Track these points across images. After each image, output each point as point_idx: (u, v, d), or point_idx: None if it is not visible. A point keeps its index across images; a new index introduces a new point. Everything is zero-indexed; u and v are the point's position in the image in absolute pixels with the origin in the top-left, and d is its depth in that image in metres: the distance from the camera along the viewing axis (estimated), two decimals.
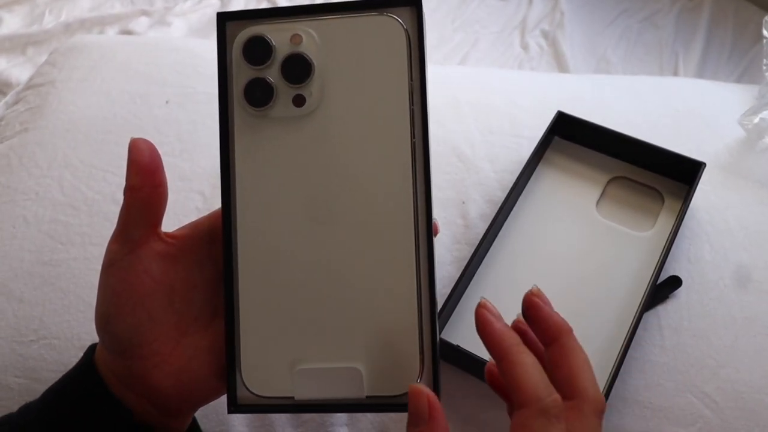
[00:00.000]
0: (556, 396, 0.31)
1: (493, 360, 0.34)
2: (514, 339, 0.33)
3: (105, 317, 0.35)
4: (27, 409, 0.38)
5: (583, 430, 0.31)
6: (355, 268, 0.33)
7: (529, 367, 0.32)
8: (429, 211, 0.33)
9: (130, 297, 0.34)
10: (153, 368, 0.35)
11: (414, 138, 0.33)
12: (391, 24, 0.33)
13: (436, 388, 0.32)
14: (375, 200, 0.33)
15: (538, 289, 0.36)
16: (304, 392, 0.33)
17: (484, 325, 0.33)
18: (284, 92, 0.34)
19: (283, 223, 0.34)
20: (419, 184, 0.33)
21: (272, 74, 0.34)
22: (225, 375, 0.35)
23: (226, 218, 0.34)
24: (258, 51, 0.34)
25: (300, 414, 0.49)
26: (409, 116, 0.33)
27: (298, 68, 0.34)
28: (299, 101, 0.34)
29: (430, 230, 0.33)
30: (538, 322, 0.35)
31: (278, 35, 0.34)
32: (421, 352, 0.33)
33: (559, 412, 0.31)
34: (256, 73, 0.34)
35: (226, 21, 0.34)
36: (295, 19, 0.34)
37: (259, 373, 0.34)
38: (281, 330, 0.34)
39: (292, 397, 0.33)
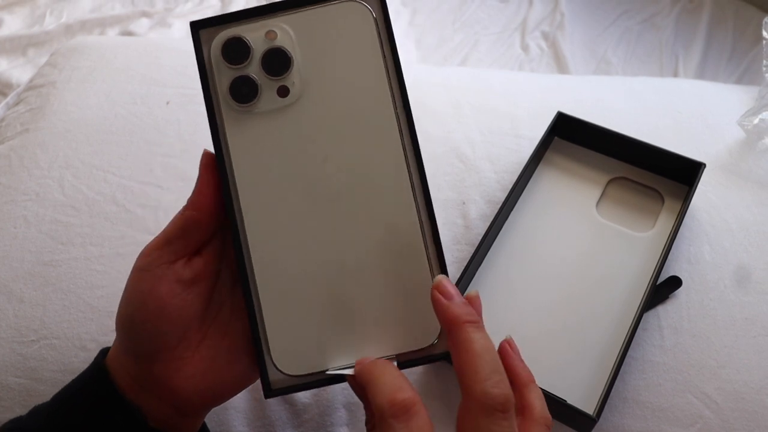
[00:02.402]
0: (507, 391, 0.29)
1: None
2: (469, 315, 0.32)
3: (129, 320, 0.35)
4: (37, 413, 0.37)
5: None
6: (363, 238, 0.35)
7: (479, 348, 0.30)
8: (422, 170, 0.35)
9: (160, 304, 0.34)
10: (176, 371, 0.35)
11: (396, 108, 0.36)
12: (358, 9, 0.36)
13: None
14: (372, 170, 0.35)
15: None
16: (336, 363, 0.34)
17: (435, 304, 0.33)
18: (268, 86, 0.35)
19: (288, 207, 0.35)
20: (408, 148, 0.36)
21: (253, 71, 0.35)
22: (247, 368, 0.37)
23: (229, 211, 0.35)
24: (236, 51, 0.35)
25: (300, 413, 0.49)
26: (389, 88, 0.36)
27: (278, 61, 0.35)
28: (283, 92, 0.36)
29: (426, 186, 0.35)
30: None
31: (253, 34, 0.35)
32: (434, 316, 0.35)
33: (507, 410, 0.29)
34: (238, 72, 0.35)
35: (199, 29, 0.36)
36: (265, 17, 0.36)
37: (289, 354, 0.35)
38: (304, 309, 0.35)
39: (325, 371, 0.34)
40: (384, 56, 0.36)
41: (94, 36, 1.05)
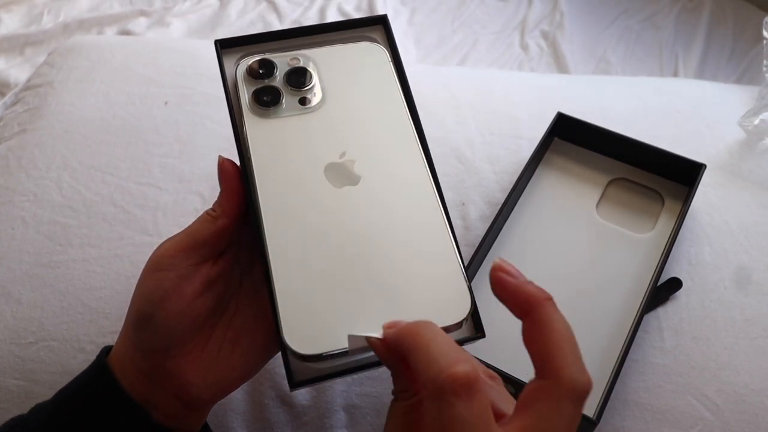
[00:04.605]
0: (590, 377, 0.27)
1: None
2: (544, 292, 0.29)
3: (147, 316, 0.35)
4: (38, 411, 0.38)
5: (551, 416, 0.26)
6: (380, 218, 0.36)
7: (564, 329, 0.28)
8: (433, 168, 0.38)
9: (184, 302, 0.35)
10: (186, 365, 0.36)
11: (405, 105, 0.40)
12: (373, 47, 0.42)
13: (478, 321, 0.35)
14: (390, 158, 0.38)
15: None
16: (356, 342, 0.32)
17: (502, 285, 0.29)
18: (290, 95, 0.39)
19: (303, 192, 0.36)
20: (419, 137, 0.39)
21: (277, 83, 0.39)
22: (250, 358, 0.38)
23: (252, 206, 0.36)
24: (263, 69, 0.40)
25: (300, 416, 0.49)
26: (400, 97, 0.40)
27: (301, 77, 0.40)
28: (304, 102, 0.39)
29: (435, 173, 0.38)
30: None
31: (278, 59, 0.40)
32: (467, 280, 0.35)
33: (585, 396, 0.27)
34: (262, 84, 0.39)
35: (223, 47, 0.41)
36: (286, 44, 0.41)
37: (303, 332, 0.33)
38: (322, 290, 0.34)
39: (346, 351, 0.32)
40: (395, 77, 0.40)
41: (92, 35, 1.05)
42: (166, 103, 0.66)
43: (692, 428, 0.47)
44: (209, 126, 0.64)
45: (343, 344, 0.32)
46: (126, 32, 1.06)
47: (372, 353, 0.31)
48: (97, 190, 0.59)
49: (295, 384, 0.34)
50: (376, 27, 0.43)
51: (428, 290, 0.34)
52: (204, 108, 0.65)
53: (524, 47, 1.03)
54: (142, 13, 1.09)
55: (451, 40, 1.05)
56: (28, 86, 0.71)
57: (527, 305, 0.29)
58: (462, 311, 0.33)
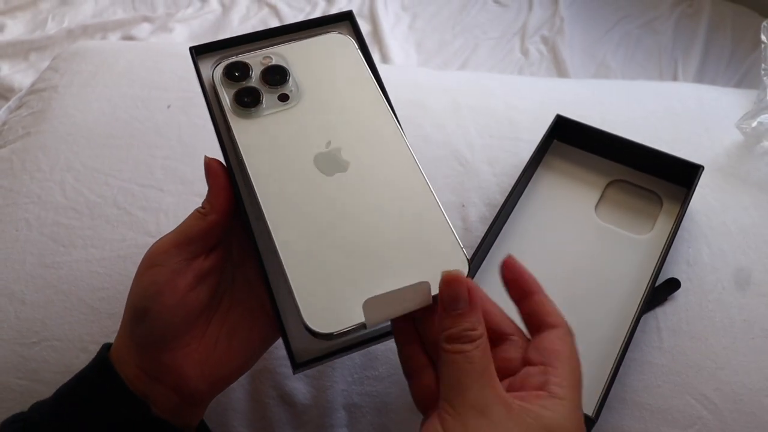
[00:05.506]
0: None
1: None
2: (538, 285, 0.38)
3: (143, 311, 0.37)
4: (39, 406, 0.39)
5: (573, 352, 0.36)
6: (374, 198, 0.37)
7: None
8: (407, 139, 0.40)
9: (177, 296, 0.37)
10: (183, 359, 0.37)
11: (379, 89, 0.41)
12: (340, 38, 0.43)
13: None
14: (375, 142, 0.39)
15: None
16: (373, 317, 0.33)
17: (516, 271, 0.38)
18: (269, 94, 0.40)
19: (298, 184, 0.37)
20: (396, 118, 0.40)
21: (255, 83, 0.41)
22: (246, 351, 0.39)
23: (239, 201, 0.38)
24: (238, 71, 0.41)
25: (300, 415, 0.49)
26: (376, 86, 0.41)
27: (277, 74, 0.41)
28: (284, 98, 0.40)
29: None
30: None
31: (252, 59, 0.41)
32: (462, 247, 0.36)
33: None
34: (241, 85, 0.40)
35: (198, 54, 0.42)
36: (259, 46, 0.42)
37: (323, 312, 0.34)
38: (331, 269, 0.35)
39: (363, 325, 0.33)
40: (365, 63, 0.42)
41: (96, 41, 1.05)
42: (168, 106, 0.67)
43: (690, 427, 0.48)
44: (210, 129, 0.64)
45: (361, 318, 0.33)
46: (129, 38, 1.07)
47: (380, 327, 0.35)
48: (100, 192, 0.60)
49: (297, 366, 0.36)
50: (344, 23, 0.44)
51: (429, 258, 0.36)
52: (205, 111, 0.65)
53: (524, 52, 1.04)
54: (146, 18, 1.10)
55: (451, 45, 1.06)
56: (32, 90, 0.72)
57: (529, 291, 0.38)
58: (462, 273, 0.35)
